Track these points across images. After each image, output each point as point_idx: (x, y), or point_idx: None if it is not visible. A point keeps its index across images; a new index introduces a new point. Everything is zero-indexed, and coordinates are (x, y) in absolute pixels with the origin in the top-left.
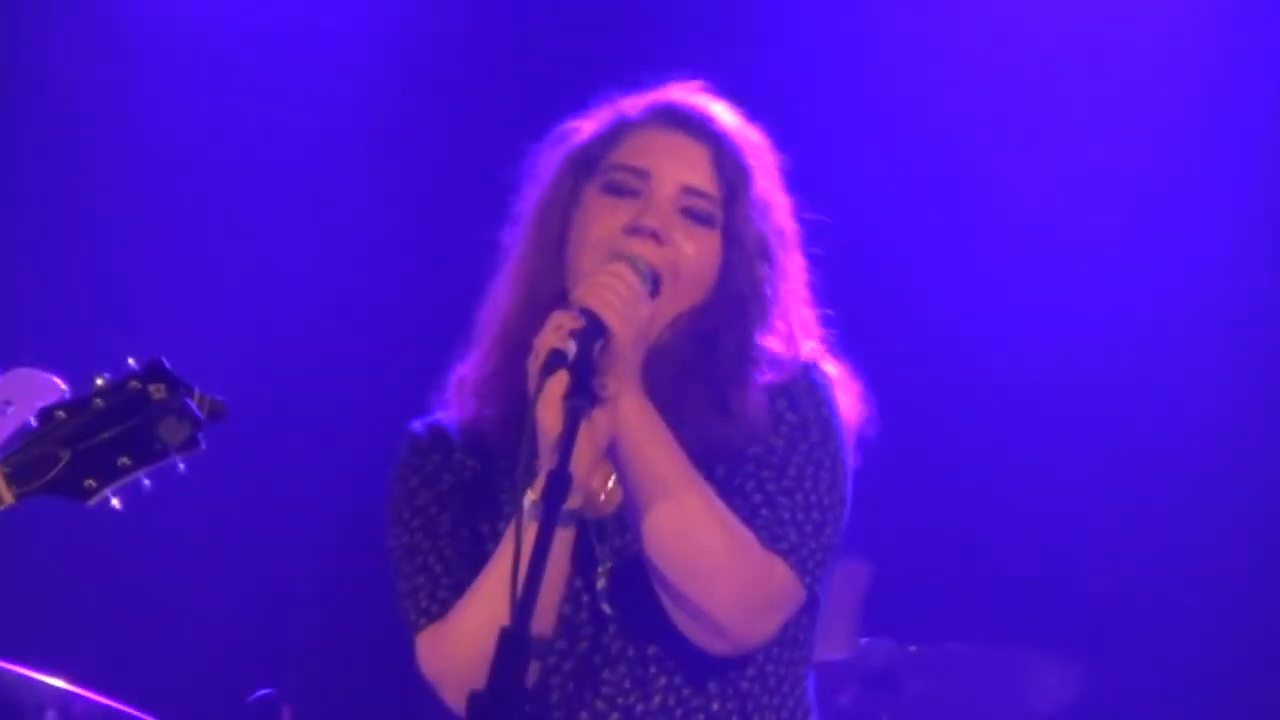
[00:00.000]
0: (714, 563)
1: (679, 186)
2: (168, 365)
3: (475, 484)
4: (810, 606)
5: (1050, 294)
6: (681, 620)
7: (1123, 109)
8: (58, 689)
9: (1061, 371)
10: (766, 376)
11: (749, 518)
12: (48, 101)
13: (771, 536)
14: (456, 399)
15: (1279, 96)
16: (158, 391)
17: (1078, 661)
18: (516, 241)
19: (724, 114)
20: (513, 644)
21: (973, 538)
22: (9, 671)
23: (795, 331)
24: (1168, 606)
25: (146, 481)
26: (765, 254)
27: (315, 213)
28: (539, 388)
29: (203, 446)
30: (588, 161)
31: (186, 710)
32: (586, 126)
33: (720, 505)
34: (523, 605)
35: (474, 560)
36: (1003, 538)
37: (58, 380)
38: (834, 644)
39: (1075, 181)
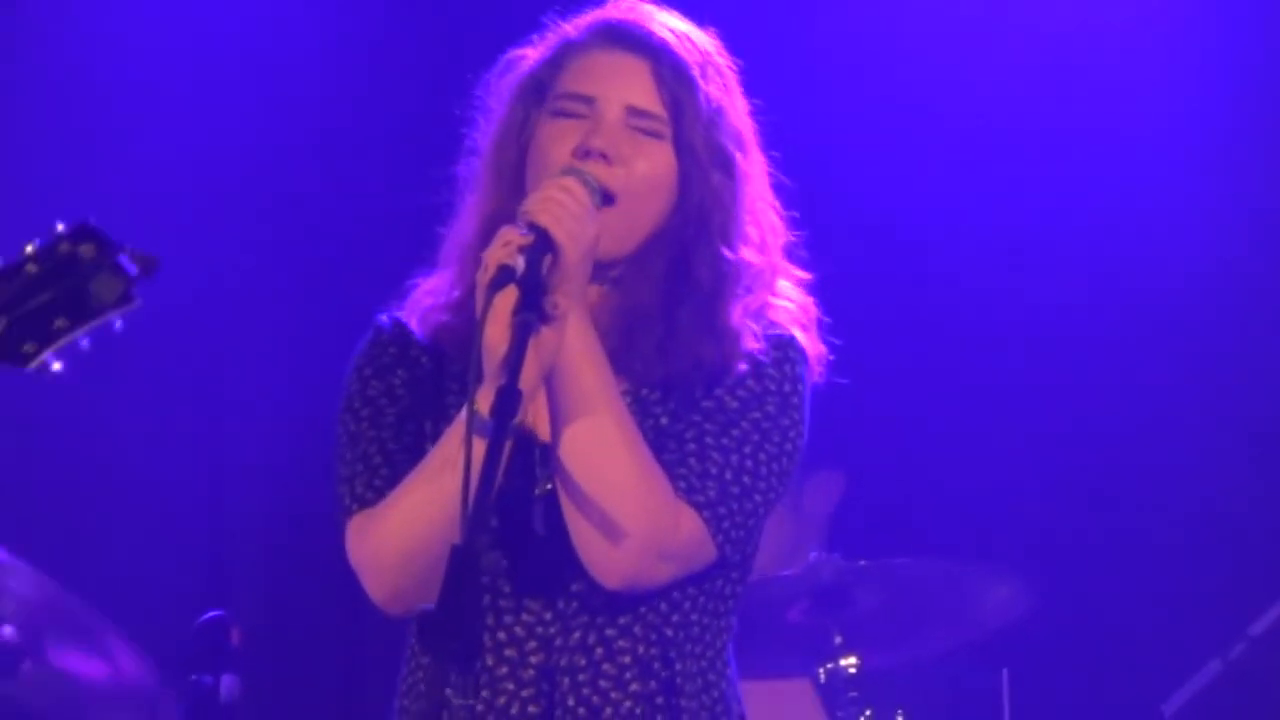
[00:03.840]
0: (615, 492)
1: (623, 107)
2: (95, 224)
3: (426, 383)
4: (739, 565)
5: (1018, 215)
6: (577, 544)
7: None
8: None
9: (1019, 291)
10: (754, 298)
11: (675, 463)
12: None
13: (690, 487)
14: (416, 313)
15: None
16: (88, 251)
17: (1028, 575)
18: (475, 174)
19: (663, 24)
20: (465, 562)
21: (924, 452)
22: None
23: (767, 238)
24: (1119, 521)
25: (85, 342)
26: (721, 161)
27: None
28: (487, 303)
29: (138, 303)
30: (537, 89)
31: (135, 633)
32: (532, 54)
33: (639, 440)
34: (473, 523)
35: (414, 457)
36: (954, 451)
37: None
38: (793, 559)
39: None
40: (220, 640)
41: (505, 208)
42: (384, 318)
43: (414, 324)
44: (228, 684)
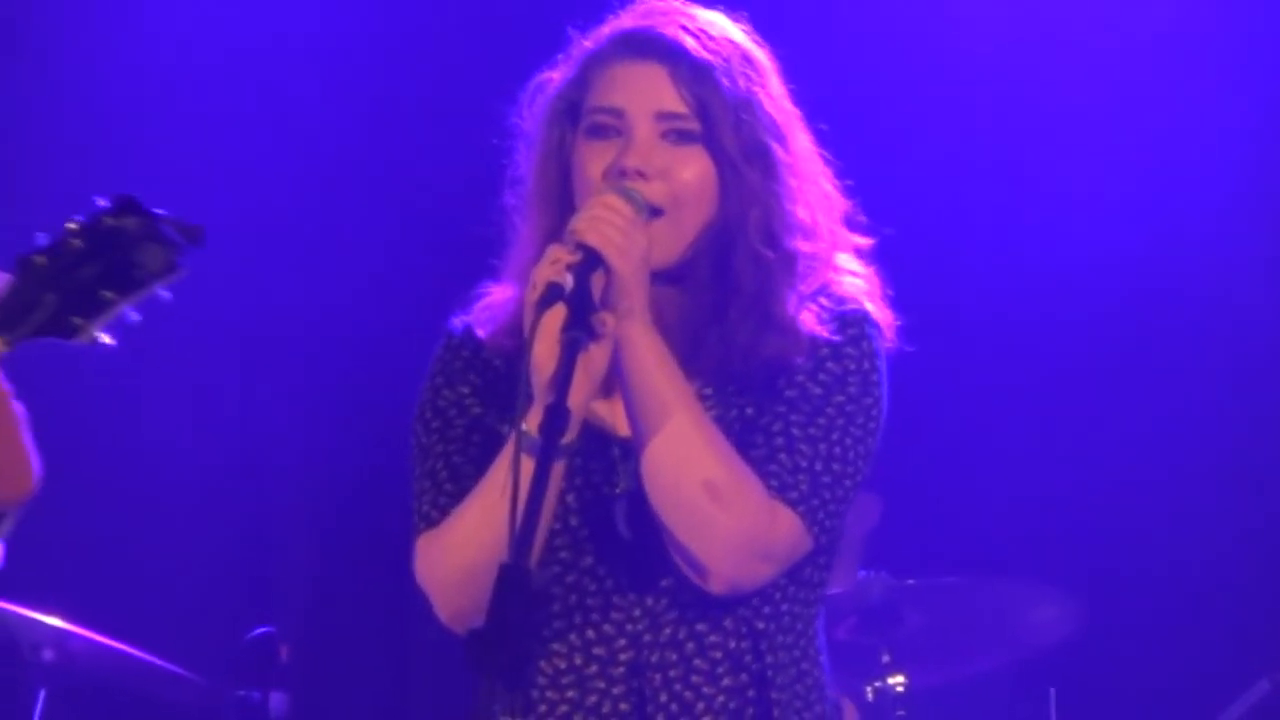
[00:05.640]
0: (709, 499)
1: (652, 115)
2: (138, 199)
3: (496, 391)
4: (826, 549)
5: (1062, 226)
6: (676, 555)
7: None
8: (55, 627)
9: (1062, 303)
10: (810, 282)
11: (765, 459)
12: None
13: (783, 484)
14: (482, 324)
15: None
16: (131, 223)
17: (1076, 594)
18: (523, 202)
19: (679, 24)
20: (512, 579)
21: (972, 470)
22: (6, 610)
23: (819, 218)
24: (1167, 540)
25: (134, 314)
26: (756, 155)
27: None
28: (535, 321)
29: (184, 271)
30: (569, 109)
31: (184, 649)
32: (558, 74)
33: (725, 444)
34: (520, 541)
35: (482, 470)
36: (1001, 470)
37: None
38: (836, 578)
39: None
40: (269, 656)
41: (558, 229)
42: (456, 322)
43: (482, 333)
44: (276, 700)
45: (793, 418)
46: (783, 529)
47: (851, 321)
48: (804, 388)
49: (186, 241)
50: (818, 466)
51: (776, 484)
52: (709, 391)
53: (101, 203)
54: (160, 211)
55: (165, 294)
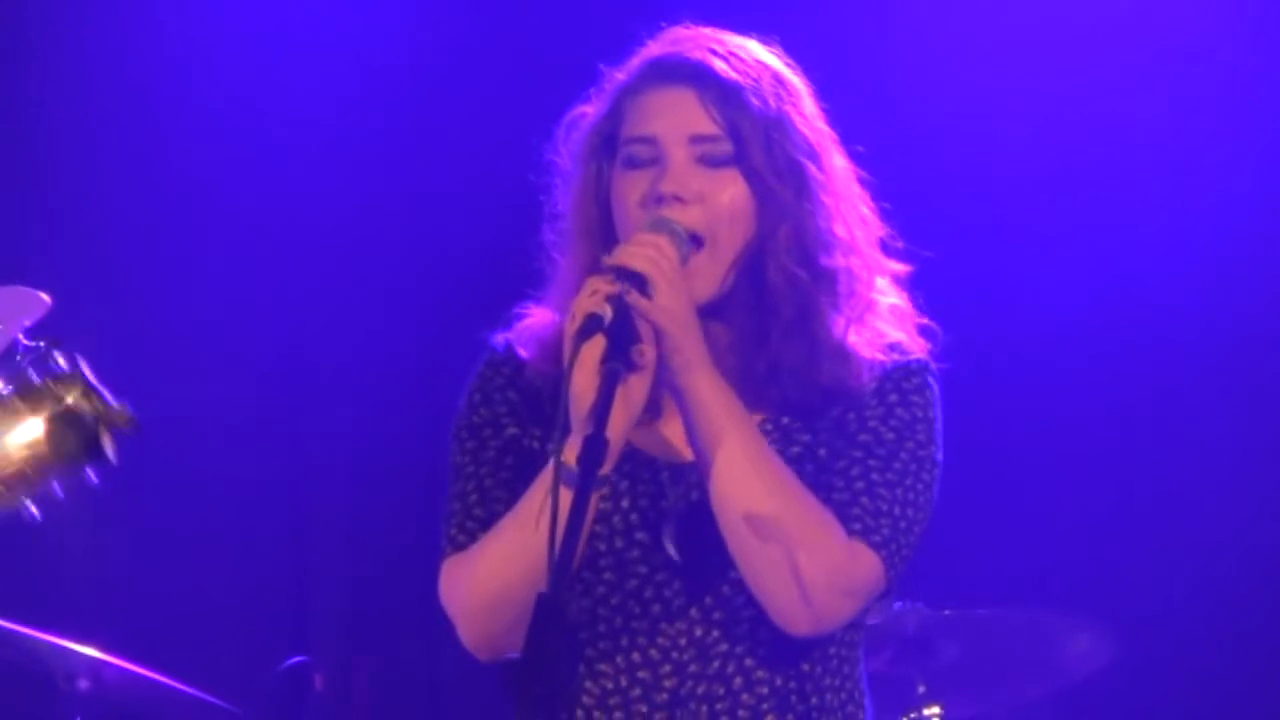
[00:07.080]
0: (794, 542)
1: (685, 139)
2: (84, 369)
3: (535, 411)
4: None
5: (1103, 253)
6: (761, 599)
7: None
8: (90, 657)
9: (1098, 332)
10: (854, 301)
11: (847, 502)
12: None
13: (866, 528)
14: (524, 344)
15: None
16: (69, 396)
17: (1112, 625)
18: (564, 236)
19: (707, 47)
20: (551, 610)
21: (1007, 501)
22: (42, 640)
23: (856, 235)
24: (1204, 568)
25: (59, 491)
26: (789, 173)
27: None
28: (574, 352)
29: (111, 459)
30: (605, 143)
31: (218, 678)
32: (592, 109)
33: (798, 484)
34: (558, 572)
35: (513, 492)
36: (1037, 500)
37: (44, 295)
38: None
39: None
40: (303, 686)
41: (599, 262)
42: (498, 339)
43: (525, 352)
44: None
45: (871, 462)
46: (864, 567)
47: (916, 370)
48: (877, 432)
49: (116, 427)
50: (897, 511)
51: (860, 526)
52: (769, 427)
53: (59, 361)
54: (99, 389)
55: (93, 477)
